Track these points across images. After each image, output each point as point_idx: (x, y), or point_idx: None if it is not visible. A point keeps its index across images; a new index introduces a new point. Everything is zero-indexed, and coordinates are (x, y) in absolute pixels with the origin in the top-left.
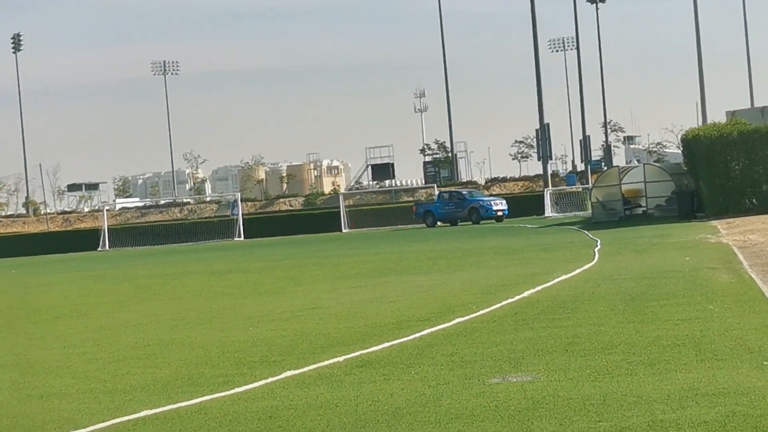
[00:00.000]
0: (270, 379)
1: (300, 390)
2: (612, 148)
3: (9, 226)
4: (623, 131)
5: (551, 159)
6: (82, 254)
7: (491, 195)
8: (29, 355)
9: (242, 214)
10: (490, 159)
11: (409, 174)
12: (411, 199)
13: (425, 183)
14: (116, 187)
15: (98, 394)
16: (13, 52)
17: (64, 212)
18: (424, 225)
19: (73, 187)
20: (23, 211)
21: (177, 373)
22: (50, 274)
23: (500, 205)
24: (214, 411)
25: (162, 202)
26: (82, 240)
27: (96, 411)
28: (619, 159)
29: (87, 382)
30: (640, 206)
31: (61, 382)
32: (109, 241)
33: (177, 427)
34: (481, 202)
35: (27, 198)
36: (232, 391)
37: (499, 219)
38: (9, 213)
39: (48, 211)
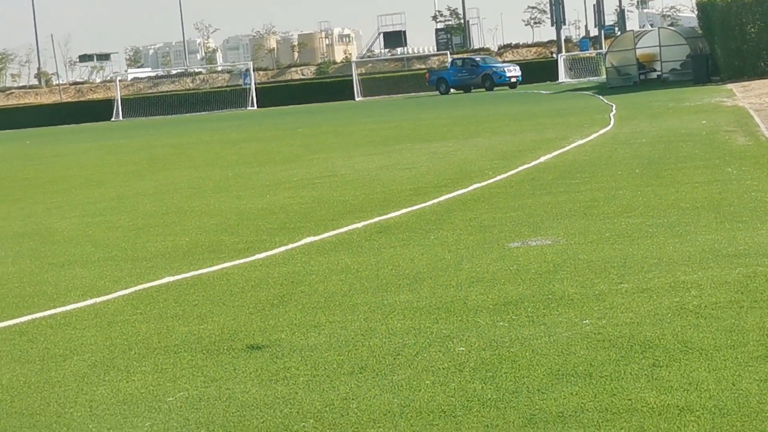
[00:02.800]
0: (290, 246)
1: (320, 256)
2: (626, 12)
3: (22, 97)
4: None
5: (565, 24)
6: (95, 125)
7: (504, 61)
8: (49, 224)
9: (254, 84)
10: (502, 25)
11: (422, 41)
12: (423, 66)
13: (438, 50)
14: (128, 57)
15: (120, 262)
16: None
17: (76, 83)
18: (437, 92)
19: (84, 58)
20: (35, 82)
21: (197, 240)
22: (64, 145)
23: (514, 72)
24: (236, 277)
25: (174, 72)
26: (95, 110)
27: (119, 278)
28: (632, 24)
29: (108, 250)
30: (655, 71)
31: (82, 250)
32: (122, 111)
33: (201, 293)
34: (494, 69)
35: (39, 69)
36: (252, 258)
37: (512, 85)
38: (21, 84)
39: (60, 82)
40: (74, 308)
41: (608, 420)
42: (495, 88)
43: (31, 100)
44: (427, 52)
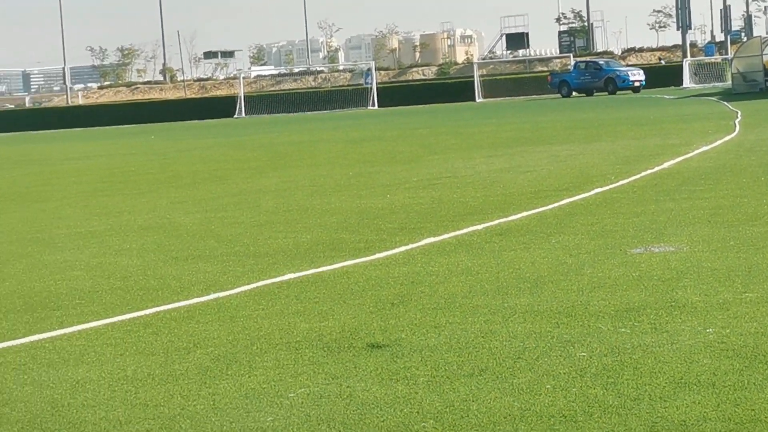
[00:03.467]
0: (410, 246)
1: (440, 257)
2: (753, 18)
3: (147, 92)
4: (764, 0)
5: (690, 29)
6: (218, 121)
7: (628, 65)
8: (173, 218)
9: (375, 83)
10: (626, 28)
11: (544, 43)
12: (545, 69)
13: (560, 53)
14: (251, 54)
15: (242, 258)
16: None
17: (200, 79)
18: (559, 95)
19: (209, 55)
20: (160, 77)
21: (318, 238)
22: (188, 140)
23: (637, 76)
24: (357, 275)
25: (296, 70)
26: (218, 107)
27: (241, 273)
28: (759, 29)
29: (230, 245)
30: None
31: (205, 245)
32: (244, 108)
33: (322, 291)
34: (617, 72)
35: (164, 65)
36: (373, 257)
37: (635, 89)
38: (147, 79)
39: (185, 78)
40: (197, 302)
41: (731, 430)
42: (618, 92)
43: (155, 95)
44: (549, 55)
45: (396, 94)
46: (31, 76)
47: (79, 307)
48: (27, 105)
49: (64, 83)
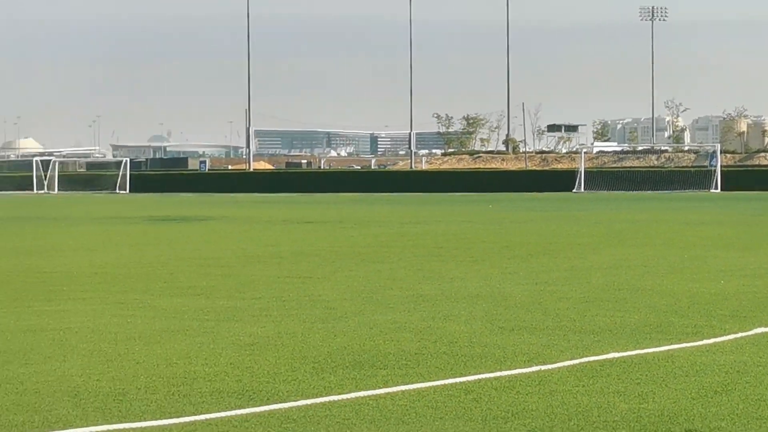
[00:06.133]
0: (740, 334)
1: None
2: None
3: (488, 161)
4: None
5: None
6: (557, 194)
7: None
8: (503, 288)
9: (720, 166)
10: None
11: None
12: None
13: None
14: (595, 130)
15: (567, 332)
16: None
17: (542, 151)
18: None
19: (552, 128)
20: (503, 148)
21: (645, 319)
22: (525, 212)
23: None
24: (682, 360)
25: (639, 148)
26: (558, 180)
27: (565, 348)
28: None
29: (557, 319)
30: None
31: (532, 317)
32: (584, 183)
33: (644, 372)
34: None
35: (507, 135)
36: (700, 342)
37: None
38: (489, 149)
39: (527, 149)
40: (519, 373)
41: None
42: None
43: (497, 165)
44: None
45: (741, 179)
46: (379, 139)
47: (405, 368)
48: (372, 167)
49: (410, 148)
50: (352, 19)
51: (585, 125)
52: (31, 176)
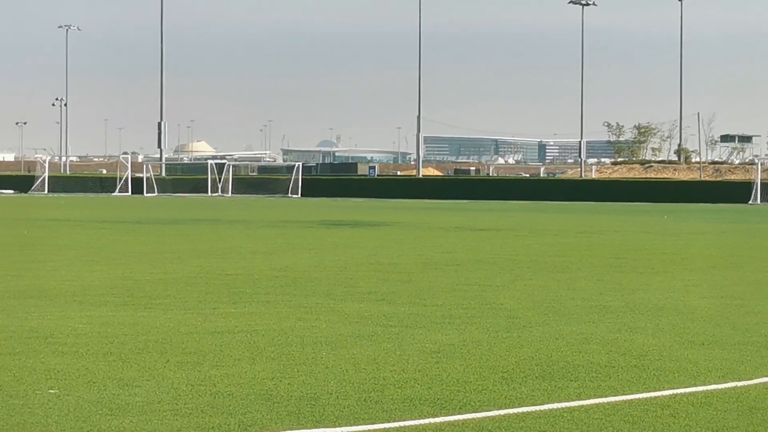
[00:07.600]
0: None
1: None
2: None
3: (660, 171)
4: None
5: None
6: (731, 206)
7: None
8: (687, 301)
9: None
10: None
11: None
12: None
13: None
14: None
15: (760, 348)
16: (679, 0)
17: (714, 162)
18: None
19: (725, 138)
20: (674, 157)
21: None
22: (701, 223)
23: None
24: None
25: None
26: (732, 191)
27: (760, 364)
28: None
29: (747, 334)
30: None
31: (721, 332)
32: (760, 195)
33: None
34: None
35: (679, 145)
36: None
37: None
38: (661, 158)
39: (700, 159)
40: (714, 389)
41: None
42: None
43: (668, 175)
44: None
45: None
46: (547, 147)
47: (596, 381)
48: (541, 175)
49: (579, 156)
50: (521, 28)
51: (759, 136)
52: (206, 179)
